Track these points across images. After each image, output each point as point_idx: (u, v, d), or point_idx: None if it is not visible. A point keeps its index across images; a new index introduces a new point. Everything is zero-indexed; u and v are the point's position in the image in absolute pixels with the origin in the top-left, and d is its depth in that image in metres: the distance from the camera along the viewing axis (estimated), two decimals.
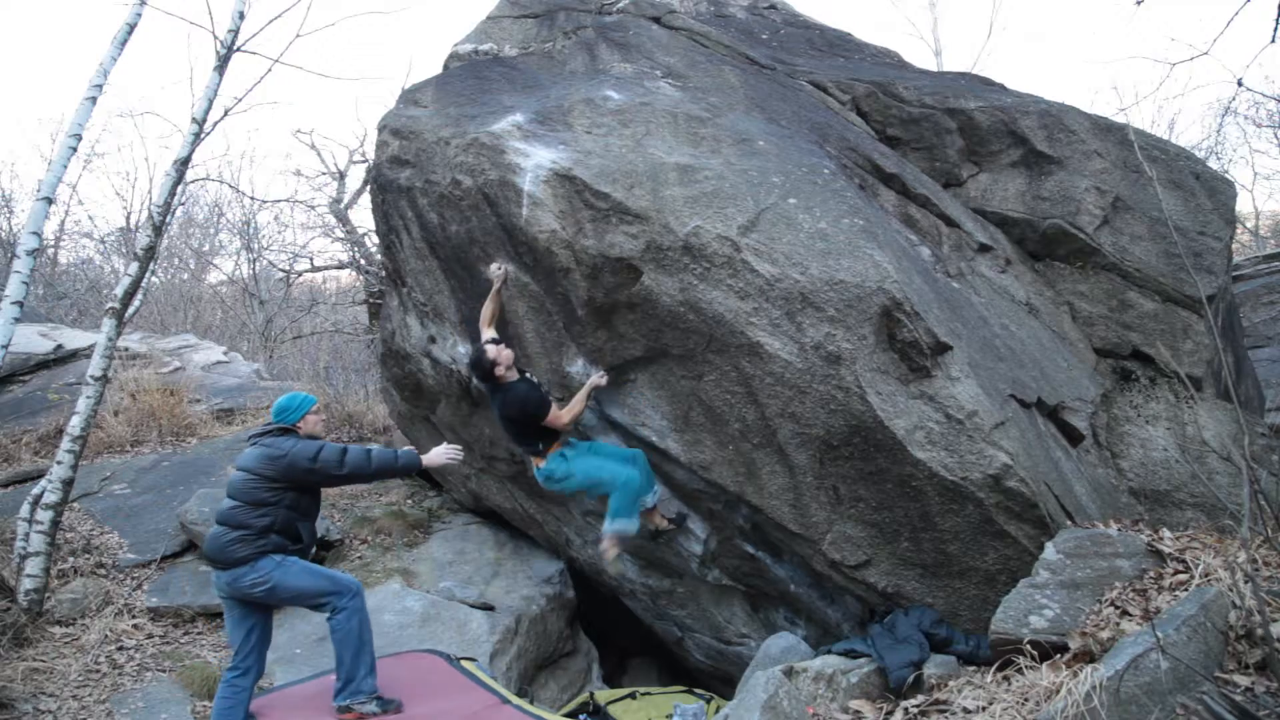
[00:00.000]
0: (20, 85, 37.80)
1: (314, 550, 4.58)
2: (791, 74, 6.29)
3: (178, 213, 17.25)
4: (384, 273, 7.83)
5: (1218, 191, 5.30)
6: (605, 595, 6.59)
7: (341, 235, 13.32)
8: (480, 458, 6.33)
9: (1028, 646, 3.13)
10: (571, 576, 6.69)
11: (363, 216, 13.50)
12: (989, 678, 3.26)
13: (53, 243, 17.94)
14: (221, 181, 16.91)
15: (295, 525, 3.97)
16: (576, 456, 4.70)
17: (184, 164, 6.46)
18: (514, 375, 4.63)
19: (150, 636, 5.54)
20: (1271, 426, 5.13)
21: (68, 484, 5.70)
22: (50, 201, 6.31)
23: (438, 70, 6.81)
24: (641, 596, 6.04)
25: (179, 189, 7.39)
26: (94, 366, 5.90)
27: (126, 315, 6.53)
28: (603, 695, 5.40)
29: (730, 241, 4.21)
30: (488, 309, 4.92)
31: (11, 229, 16.49)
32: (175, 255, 20.09)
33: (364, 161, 13.57)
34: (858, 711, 3.51)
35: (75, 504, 6.89)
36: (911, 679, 3.63)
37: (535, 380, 4.79)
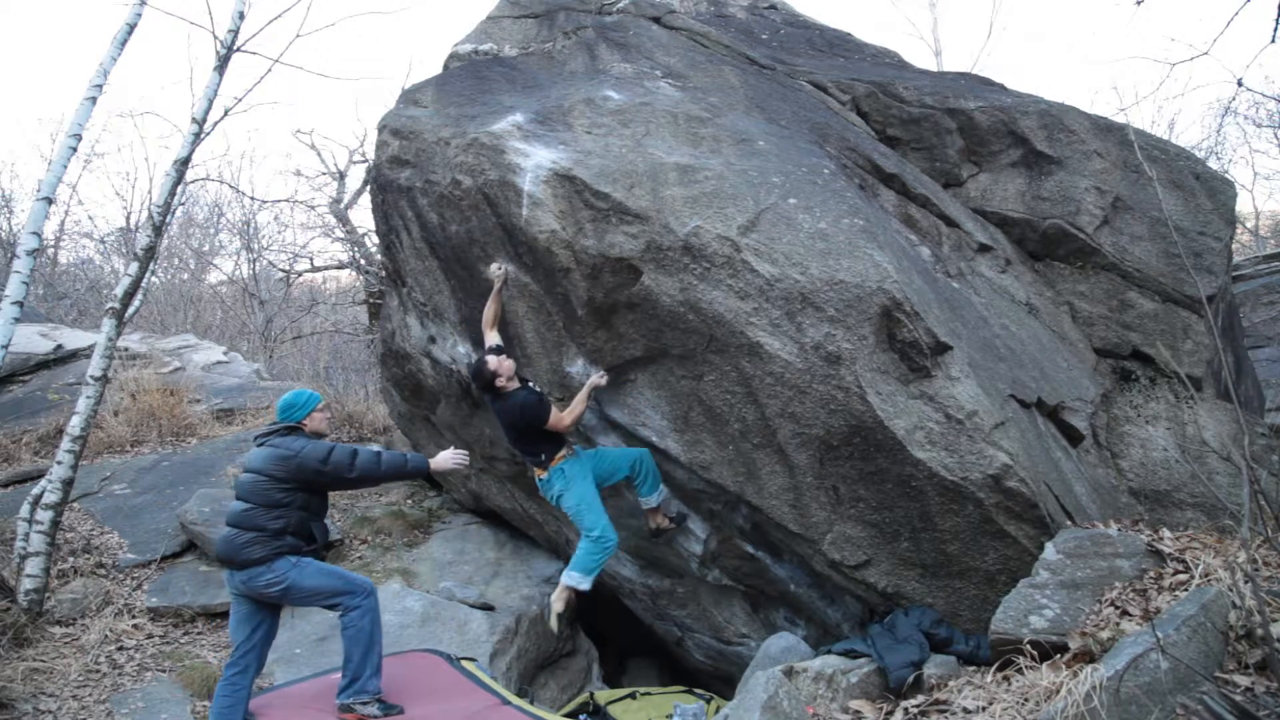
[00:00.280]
0: (20, 85, 37.83)
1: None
2: (791, 74, 6.29)
3: (178, 213, 17.24)
4: (384, 273, 7.84)
5: (1218, 191, 5.30)
6: (605, 595, 6.58)
7: (341, 235, 13.33)
8: (480, 458, 6.33)
9: (1028, 646, 3.13)
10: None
11: (363, 216, 13.51)
12: (989, 678, 3.26)
13: (53, 243, 17.95)
14: (221, 181, 16.91)
15: (309, 525, 3.99)
16: (575, 480, 4.67)
17: (184, 164, 6.46)
18: (515, 384, 4.65)
19: (150, 636, 5.54)
20: (1271, 426, 5.13)
21: (68, 484, 5.71)
22: (50, 201, 6.31)
23: (438, 70, 6.81)
24: (641, 596, 6.04)
25: (179, 189, 7.39)
26: (94, 366, 5.90)
27: (126, 315, 6.53)
28: (603, 695, 5.40)
29: (730, 241, 4.21)
30: (489, 311, 4.92)
31: (11, 229, 16.50)
32: (175, 255, 20.08)
33: (364, 161, 13.57)
34: (858, 711, 3.51)
35: (75, 504, 6.90)
36: (911, 679, 3.63)
37: (536, 387, 4.80)
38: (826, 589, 4.78)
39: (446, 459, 4.25)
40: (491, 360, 4.60)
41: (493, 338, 4.89)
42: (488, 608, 5.98)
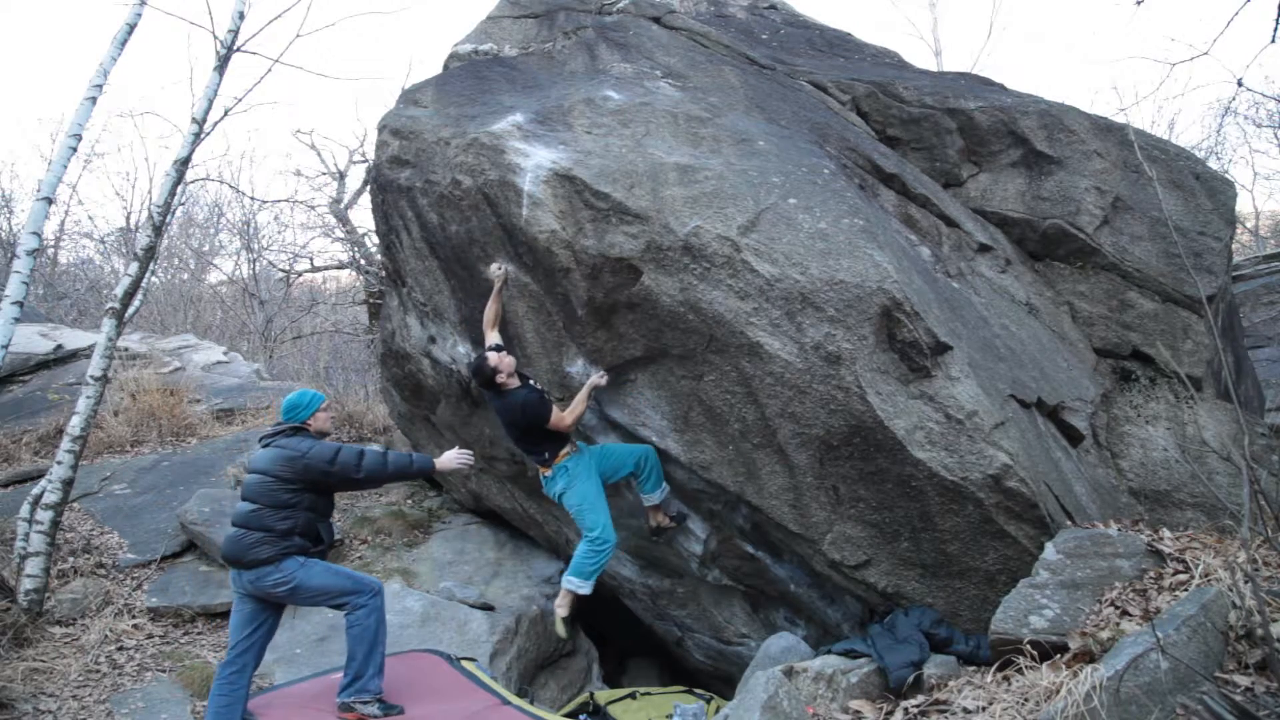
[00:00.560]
0: (20, 85, 37.83)
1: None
2: (791, 74, 6.29)
3: (178, 213, 17.25)
4: (384, 273, 7.84)
5: (1218, 191, 5.30)
6: (605, 595, 6.58)
7: (341, 235, 13.33)
8: (480, 458, 6.32)
9: (1028, 646, 3.13)
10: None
11: (363, 216, 13.51)
12: (989, 678, 3.26)
13: (53, 243, 17.95)
14: (221, 181, 16.91)
15: (316, 526, 4.00)
16: (578, 477, 4.68)
17: (184, 164, 6.46)
18: (515, 383, 4.66)
19: (150, 636, 5.54)
20: (1271, 426, 5.13)
21: (68, 484, 5.70)
22: (50, 201, 6.31)
23: (438, 70, 6.81)
24: (641, 596, 6.04)
25: (179, 189, 7.39)
26: (94, 366, 5.90)
27: (126, 315, 6.53)
28: (603, 695, 5.40)
29: (730, 241, 4.21)
30: (490, 311, 4.93)
31: (11, 229, 16.50)
32: (175, 255, 20.08)
33: (364, 161, 13.57)
34: (858, 711, 3.51)
35: (75, 504, 6.90)
36: (911, 679, 3.63)
37: (537, 385, 4.80)
38: (826, 589, 4.78)
39: (451, 459, 4.26)
40: (492, 357, 4.61)
41: (493, 338, 4.89)
42: (488, 608, 5.98)
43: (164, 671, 5.15)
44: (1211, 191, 5.29)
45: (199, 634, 5.69)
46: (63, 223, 18.05)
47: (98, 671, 5.03)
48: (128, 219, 18.07)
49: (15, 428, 8.64)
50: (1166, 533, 3.70)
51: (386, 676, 4.03)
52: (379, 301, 10.06)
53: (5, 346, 5.58)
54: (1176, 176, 5.32)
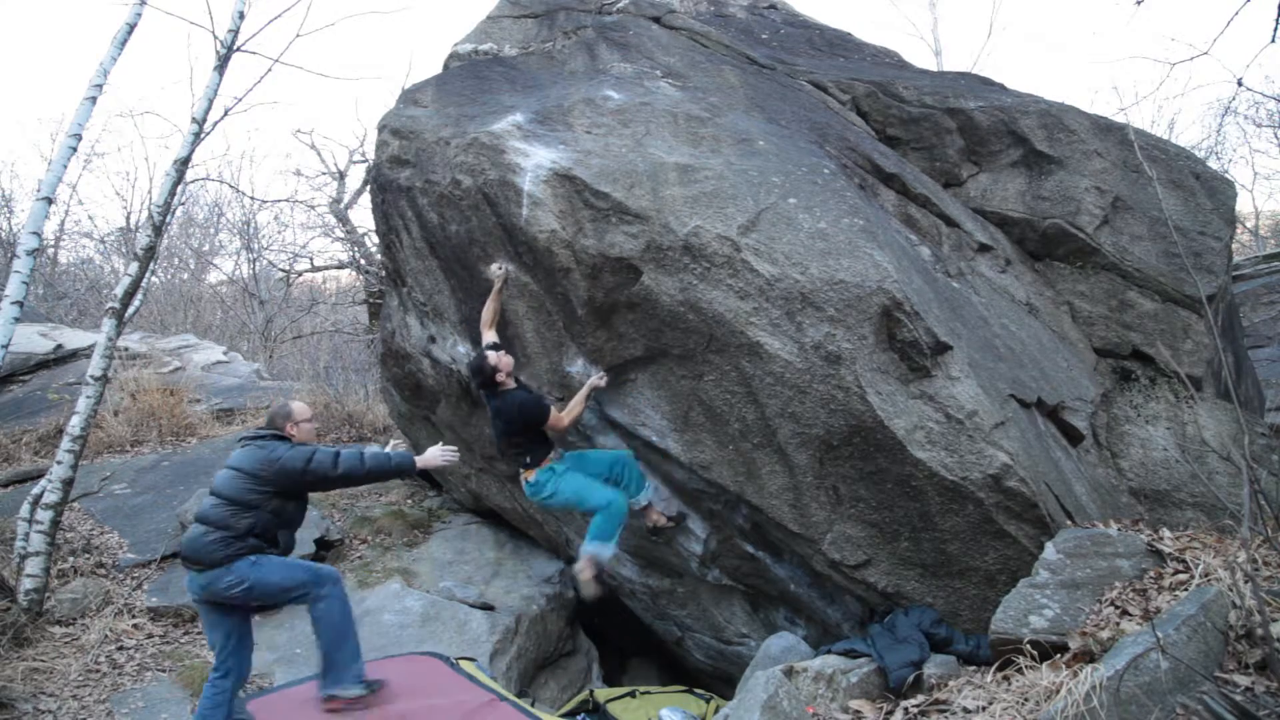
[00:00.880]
0: (20, 85, 37.82)
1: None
2: (791, 74, 6.29)
3: (178, 213, 17.25)
4: (384, 273, 7.84)
5: (1218, 191, 5.30)
6: (605, 595, 6.58)
7: (341, 235, 13.33)
8: (480, 458, 6.33)
9: (1028, 646, 3.13)
10: (571, 576, 6.69)
11: (363, 216, 13.51)
12: (989, 678, 3.26)
13: (53, 243, 17.96)
14: (221, 181, 16.93)
15: (275, 531, 3.90)
16: (564, 473, 4.68)
17: (184, 164, 6.46)
18: (513, 383, 4.66)
19: (150, 636, 5.54)
20: (1271, 426, 5.13)
21: (68, 484, 5.70)
22: (50, 201, 6.31)
23: (438, 70, 6.81)
24: (641, 596, 6.03)
25: (179, 189, 7.38)
26: (94, 366, 5.90)
27: (126, 315, 6.53)
28: (602, 694, 5.40)
29: (730, 241, 4.21)
30: (489, 310, 4.92)
31: (11, 229, 16.51)
32: (175, 255, 20.10)
33: (364, 161, 13.57)
34: (858, 711, 3.51)
35: (75, 504, 6.90)
36: (911, 679, 3.63)
37: (531, 387, 4.80)
38: (826, 589, 4.77)
39: (435, 455, 4.19)
40: (492, 356, 4.59)
41: (489, 336, 4.88)
42: (488, 608, 5.98)
43: (164, 671, 5.15)
44: (1211, 191, 5.29)
45: (199, 634, 5.68)
46: (63, 223, 18.09)
47: (98, 671, 5.03)
48: (128, 219, 18.10)
49: (15, 427, 8.64)
50: (1166, 533, 3.70)
51: (385, 677, 4.02)
52: (379, 301, 10.06)
53: (5, 346, 5.57)
54: (1176, 176, 5.32)
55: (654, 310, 4.46)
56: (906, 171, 5.39)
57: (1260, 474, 4.00)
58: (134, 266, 6.21)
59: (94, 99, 6.29)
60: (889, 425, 3.94)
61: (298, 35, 7.29)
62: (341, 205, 13.37)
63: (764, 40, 6.97)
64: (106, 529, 6.72)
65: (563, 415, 4.64)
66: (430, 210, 5.27)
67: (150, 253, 6.45)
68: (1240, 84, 4.58)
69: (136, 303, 9.32)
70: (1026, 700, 2.89)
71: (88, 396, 5.82)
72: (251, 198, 17.86)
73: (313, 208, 15.24)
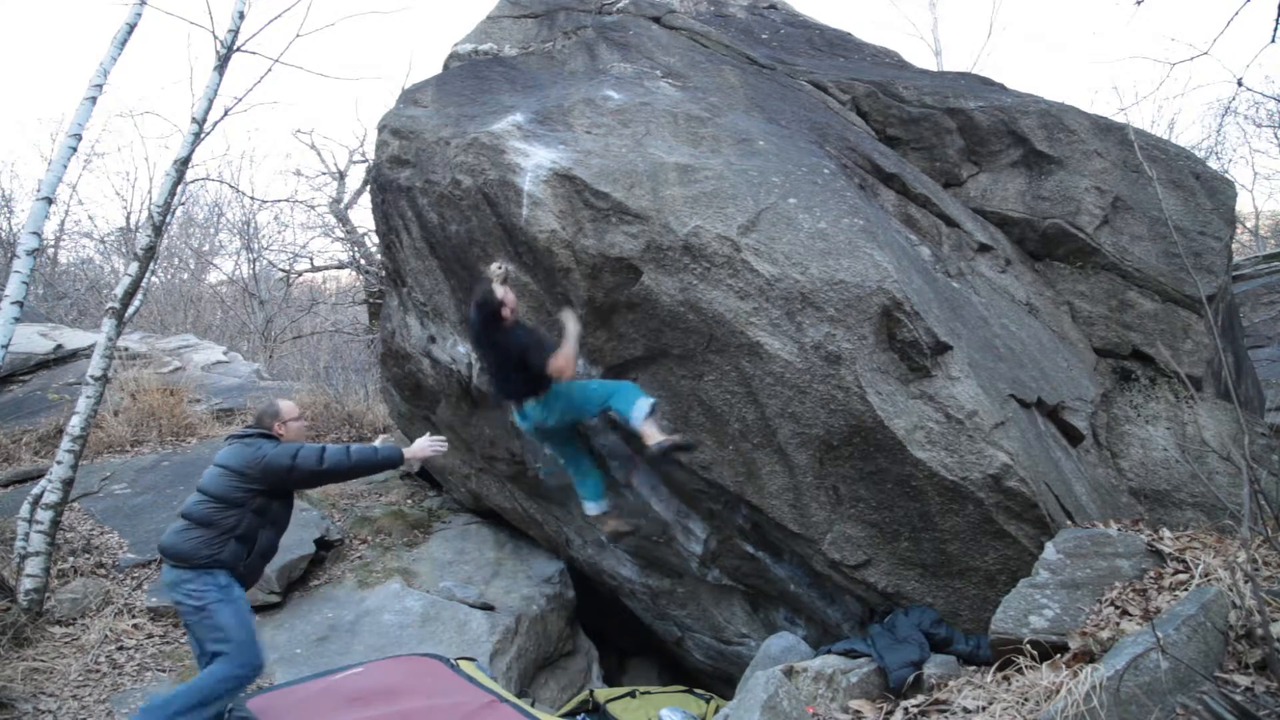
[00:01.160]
0: (20, 85, 37.82)
1: (275, 560, 4.39)
2: (791, 74, 6.30)
3: (178, 213, 17.25)
4: (384, 273, 7.84)
5: (1218, 191, 5.30)
6: (605, 595, 6.58)
7: (341, 235, 13.35)
8: (480, 458, 6.33)
9: (1028, 646, 3.13)
10: (571, 576, 6.69)
11: (363, 216, 13.53)
12: (989, 678, 3.26)
13: (53, 243, 17.95)
14: (221, 181, 16.93)
15: (256, 532, 3.84)
16: (559, 397, 4.42)
17: (184, 164, 6.45)
18: (514, 321, 4.38)
19: (150, 636, 5.53)
20: (1271, 426, 5.13)
21: (68, 484, 5.70)
22: (50, 201, 6.30)
23: (438, 70, 6.81)
24: (641, 596, 6.03)
25: (179, 189, 7.38)
26: (94, 366, 5.90)
27: (126, 315, 6.52)
28: (602, 694, 5.40)
29: (730, 241, 4.21)
30: None
31: (11, 229, 16.51)
32: (175, 255, 20.09)
33: (364, 161, 13.59)
34: (858, 711, 3.51)
35: (75, 504, 6.89)
36: (911, 679, 3.63)
37: (535, 329, 4.58)
38: (826, 589, 4.77)
39: (424, 446, 4.06)
40: (498, 288, 4.33)
41: (496, 272, 4.64)
42: (488, 608, 5.98)
43: (164, 671, 5.15)
44: (1211, 191, 5.29)
45: None
46: (63, 223, 18.07)
47: (98, 671, 5.03)
48: (128, 219, 18.09)
49: (15, 428, 8.63)
50: (1166, 532, 3.70)
51: (384, 680, 4.01)
52: (379, 301, 10.06)
53: (5, 346, 5.57)
54: (1176, 176, 5.32)
55: (654, 310, 4.46)
56: (906, 171, 5.40)
57: (1260, 474, 4.00)
58: (134, 266, 6.21)
59: (94, 99, 6.29)
60: (889, 425, 3.94)
61: (298, 35, 7.29)
62: (341, 205, 13.38)
63: (764, 40, 6.97)
64: (106, 529, 6.71)
65: (561, 361, 4.24)
66: (430, 210, 5.27)
67: (150, 253, 6.44)
68: (1240, 84, 4.59)
69: (136, 303, 9.32)
70: (1026, 700, 2.89)
71: (88, 396, 5.82)
72: (251, 198, 17.87)
73: (313, 208, 15.27)
